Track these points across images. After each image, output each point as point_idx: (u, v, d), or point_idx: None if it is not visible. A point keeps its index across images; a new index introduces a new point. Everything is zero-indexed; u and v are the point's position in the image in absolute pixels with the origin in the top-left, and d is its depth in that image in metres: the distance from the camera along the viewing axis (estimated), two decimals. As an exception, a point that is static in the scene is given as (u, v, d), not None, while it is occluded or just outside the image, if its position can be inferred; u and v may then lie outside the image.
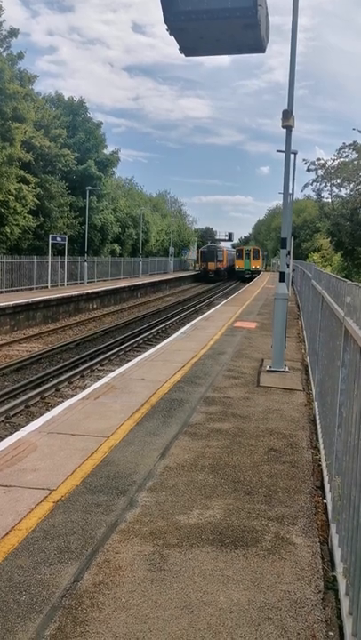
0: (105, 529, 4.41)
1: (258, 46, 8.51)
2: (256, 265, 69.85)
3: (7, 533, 4.27)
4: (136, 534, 4.37)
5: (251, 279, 59.90)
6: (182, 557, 4.06)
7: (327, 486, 5.12)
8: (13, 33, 30.41)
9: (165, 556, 4.08)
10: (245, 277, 65.47)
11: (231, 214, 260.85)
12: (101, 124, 48.99)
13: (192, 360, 11.48)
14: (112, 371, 12.13)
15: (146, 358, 11.79)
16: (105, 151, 49.48)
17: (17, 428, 9.58)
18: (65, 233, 39.86)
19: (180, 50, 8.52)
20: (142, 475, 5.50)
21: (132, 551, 4.12)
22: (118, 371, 10.52)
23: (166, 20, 7.71)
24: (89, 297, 32.81)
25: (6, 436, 8.16)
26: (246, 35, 7.93)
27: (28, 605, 3.42)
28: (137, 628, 3.28)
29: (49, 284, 34.44)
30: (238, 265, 69.79)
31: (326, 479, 5.28)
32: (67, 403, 8.16)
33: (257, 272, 68.15)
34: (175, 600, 3.56)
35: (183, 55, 8.77)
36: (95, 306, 33.83)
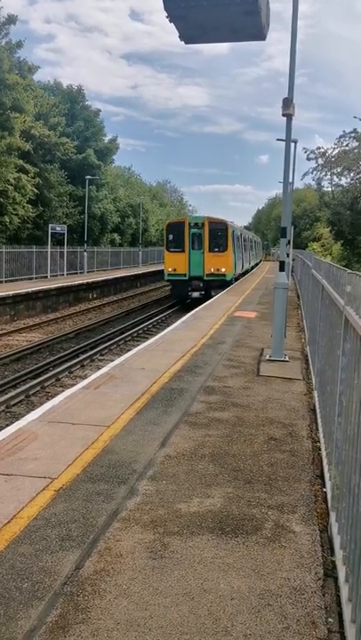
0: (106, 517, 4.44)
1: (258, 34, 8.46)
2: (222, 264, 29.71)
3: (9, 521, 4.29)
4: (137, 522, 4.40)
5: (206, 298, 26.36)
6: (183, 545, 4.09)
7: (327, 475, 5.14)
8: (12, 20, 30.17)
9: (166, 543, 4.11)
10: (190, 301, 28.67)
11: (231, 204, 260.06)
12: (99, 111, 48.77)
13: (192, 349, 11.49)
14: (112, 360, 12.15)
15: (146, 348, 11.80)
16: (104, 139, 49.26)
17: (17, 417, 9.61)
18: (64, 222, 39.78)
19: (179, 38, 8.46)
20: (143, 463, 5.52)
21: (132, 539, 4.15)
22: (118, 360, 10.54)
23: (166, 8, 7.65)
24: (89, 286, 32.81)
25: (7, 425, 8.18)
26: (247, 22, 7.87)
27: (29, 592, 3.45)
28: (138, 614, 3.30)
29: (48, 274, 34.41)
30: (170, 265, 30.17)
31: (326, 468, 5.30)
32: (67, 392, 8.18)
33: (225, 282, 29.77)
34: (176, 587, 3.59)
35: (183, 43, 8.71)
36: (95, 295, 33.81)
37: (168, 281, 31.73)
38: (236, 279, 34.63)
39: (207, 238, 29.53)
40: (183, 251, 29.55)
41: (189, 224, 29.94)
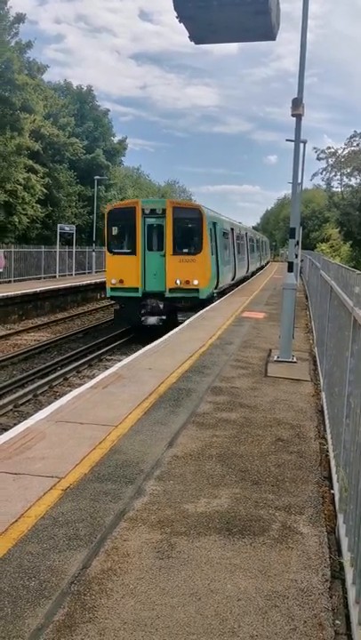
0: (113, 517, 4.44)
1: (269, 34, 8.44)
2: (193, 274, 19.49)
3: (16, 520, 4.31)
4: (144, 522, 4.40)
5: (171, 326, 16.66)
6: (190, 545, 4.09)
7: (335, 477, 5.13)
8: (20, 19, 30.28)
9: (173, 544, 4.11)
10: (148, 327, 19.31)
11: (239, 204, 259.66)
12: (108, 111, 48.91)
13: (200, 350, 11.49)
14: (120, 360, 12.16)
15: (154, 348, 11.80)
16: (112, 139, 49.39)
17: (25, 416, 9.64)
18: (73, 222, 39.91)
19: (189, 38, 8.46)
20: (150, 463, 5.53)
21: (140, 539, 4.15)
22: (126, 360, 10.55)
23: (176, 8, 7.65)
24: (97, 286, 32.87)
25: (15, 424, 8.20)
26: (257, 22, 7.86)
27: (37, 591, 3.46)
28: (145, 614, 3.31)
29: (57, 274, 34.51)
30: (114, 274, 19.91)
31: (334, 469, 5.29)
32: (75, 392, 8.19)
33: (197, 301, 19.61)
34: (183, 587, 3.59)
35: (193, 43, 8.71)
36: (103, 295, 33.83)
37: (112, 298, 20.72)
38: (223, 293, 24.74)
39: (170, 233, 19.12)
40: (134, 253, 19.30)
41: (143, 211, 19.29)
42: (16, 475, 5.16)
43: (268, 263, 67.14)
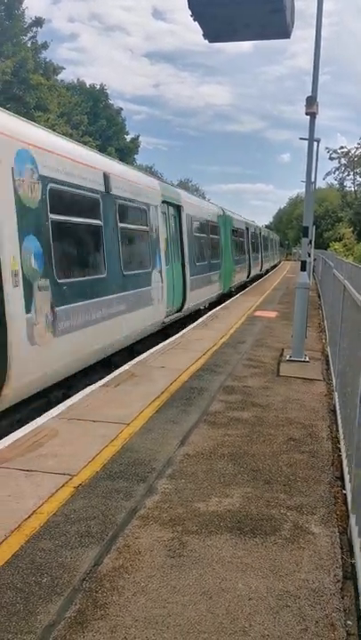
0: (125, 514, 4.45)
1: (283, 32, 8.39)
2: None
3: (29, 517, 4.33)
4: (155, 520, 4.41)
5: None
6: (201, 544, 4.09)
7: (347, 477, 5.11)
8: (39, 22, 30.49)
9: (184, 542, 4.11)
10: None
11: (252, 202, 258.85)
12: (121, 110, 49.01)
13: (212, 349, 11.48)
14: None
15: (166, 346, 11.81)
16: (125, 138, 49.49)
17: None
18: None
19: (203, 36, 8.43)
20: (162, 462, 5.54)
21: (151, 537, 4.16)
22: (138, 358, 10.56)
23: (190, 6, 7.63)
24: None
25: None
26: (272, 20, 7.82)
27: (49, 587, 3.48)
28: (156, 612, 3.31)
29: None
30: None
31: (346, 470, 5.27)
32: (87, 389, 8.21)
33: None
34: (194, 586, 3.59)
35: (207, 41, 8.68)
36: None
37: None
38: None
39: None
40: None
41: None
42: (28, 472, 5.19)
43: (280, 262, 66.06)
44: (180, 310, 15.47)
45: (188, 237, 16.24)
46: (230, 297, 23.85)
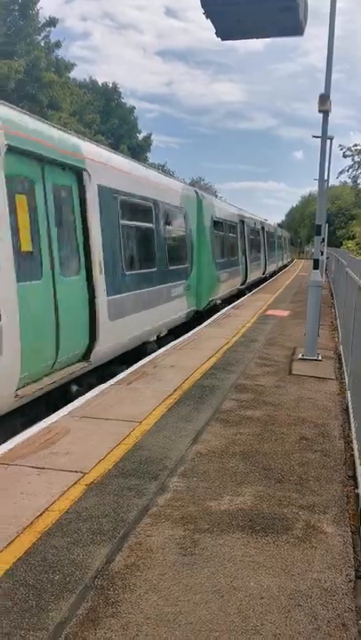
0: (136, 512, 4.46)
1: (296, 29, 8.37)
2: None
3: (41, 514, 4.35)
4: (167, 518, 4.42)
5: None
6: (213, 542, 4.09)
7: (360, 476, 5.08)
8: (52, 22, 30.62)
9: (196, 540, 4.11)
10: None
11: (264, 200, 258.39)
12: (134, 108, 49.05)
13: (224, 347, 11.47)
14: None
15: (178, 345, 11.81)
16: (138, 136, 49.54)
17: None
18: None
19: (216, 34, 8.42)
20: (174, 460, 5.54)
21: (163, 535, 4.17)
22: (150, 357, 10.57)
23: (203, 4, 7.62)
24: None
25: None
26: (285, 18, 7.79)
27: (61, 585, 3.49)
28: (168, 609, 3.32)
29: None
30: None
31: (359, 469, 5.24)
32: (99, 388, 8.23)
33: None
34: (205, 584, 3.59)
35: (220, 39, 8.67)
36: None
37: None
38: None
39: None
40: None
41: None
42: (41, 469, 5.21)
43: (292, 261, 64.97)
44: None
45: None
46: (243, 295, 23.79)
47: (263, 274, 30.80)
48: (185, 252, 14.88)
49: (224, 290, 19.67)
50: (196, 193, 16.55)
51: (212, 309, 17.62)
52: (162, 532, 4.20)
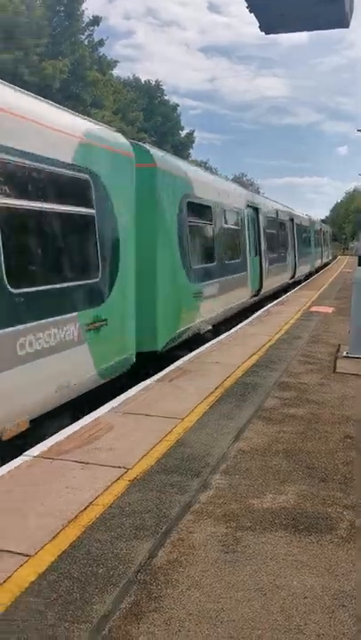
0: (179, 509, 4.47)
1: (342, 21, 8.20)
2: None
3: (85, 508, 4.41)
4: (209, 515, 4.42)
5: None
6: (255, 541, 4.07)
7: None
8: (96, 21, 30.91)
9: (238, 538, 4.10)
10: None
11: (307, 196, 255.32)
12: (177, 106, 49.09)
13: (267, 344, 11.39)
14: (186, 354, 12.20)
15: (220, 342, 11.79)
16: (180, 133, 49.56)
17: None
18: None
19: (260, 28, 8.33)
20: (216, 457, 5.53)
21: (205, 532, 4.17)
22: (192, 354, 10.59)
23: None
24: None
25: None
26: (330, 10, 7.65)
27: (104, 578, 3.53)
28: (210, 606, 3.32)
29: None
30: None
31: None
32: (142, 384, 8.29)
33: None
34: (248, 582, 3.58)
35: (263, 33, 8.58)
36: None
37: None
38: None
39: None
40: None
41: None
42: (85, 464, 5.28)
43: (335, 258, 63.00)
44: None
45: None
46: (286, 292, 23.59)
47: (292, 278, 26.80)
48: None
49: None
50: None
51: (257, 305, 18.53)
52: (204, 529, 4.21)
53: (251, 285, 17.60)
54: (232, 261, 15.33)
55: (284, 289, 23.56)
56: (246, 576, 3.64)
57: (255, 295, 18.44)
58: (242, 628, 3.15)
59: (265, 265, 19.45)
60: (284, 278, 24.13)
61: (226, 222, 14.82)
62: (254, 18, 8.20)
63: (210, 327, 12.96)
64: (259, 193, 28.29)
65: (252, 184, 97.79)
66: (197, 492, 4.79)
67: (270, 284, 20.54)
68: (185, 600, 3.38)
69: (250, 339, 12.08)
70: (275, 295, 21.03)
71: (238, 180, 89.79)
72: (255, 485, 4.96)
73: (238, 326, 14.08)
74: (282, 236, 23.76)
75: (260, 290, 18.86)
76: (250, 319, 15.35)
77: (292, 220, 26.27)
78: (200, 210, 12.61)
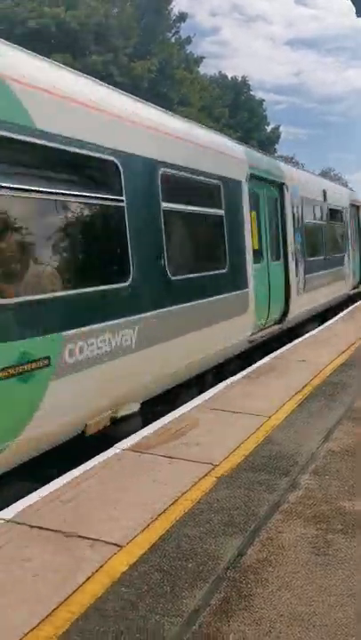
0: (267, 507, 4.42)
1: None
2: None
3: (173, 503, 4.44)
4: (299, 516, 4.34)
5: None
6: (347, 544, 3.96)
7: None
8: (182, 18, 31.13)
9: (329, 541, 4.00)
10: None
11: None
12: (263, 101, 48.58)
13: (356, 343, 11.05)
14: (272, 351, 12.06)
15: (305, 340, 11.57)
16: (266, 129, 49.06)
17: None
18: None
19: (356, 13, 8.12)
20: (305, 457, 5.42)
21: (294, 532, 4.10)
22: (279, 351, 10.44)
23: None
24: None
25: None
26: None
27: (194, 573, 3.53)
28: (301, 609, 3.25)
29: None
30: None
31: None
32: (228, 381, 8.26)
33: None
34: (340, 587, 3.48)
35: (355, 24, 8.33)
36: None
37: None
38: None
39: None
40: None
41: None
42: (172, 459, 5.32)
43: None
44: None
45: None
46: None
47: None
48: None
49: None
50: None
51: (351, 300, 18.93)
52: (293, 530, 4.13)
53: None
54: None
55: None
56: (338, 580, 3.54)
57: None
58: (335, 633, 3.06)
59: None
60: None
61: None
62: (344, 9, 7.94)
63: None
64: (346, 187, 27.22)
65: (340, 178, 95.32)
66: (286, 492, 4.71)
67: None
68: (275, 600, 3.33)
69: (337, 337, 11.77)
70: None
71: (325, 175, 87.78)
72: (346, 487, 4.82)
73: (324, 325, 13.76)
74: None
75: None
76: (339, 316, 14.98)
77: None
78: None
